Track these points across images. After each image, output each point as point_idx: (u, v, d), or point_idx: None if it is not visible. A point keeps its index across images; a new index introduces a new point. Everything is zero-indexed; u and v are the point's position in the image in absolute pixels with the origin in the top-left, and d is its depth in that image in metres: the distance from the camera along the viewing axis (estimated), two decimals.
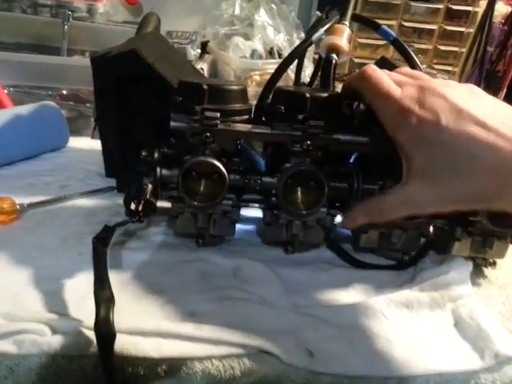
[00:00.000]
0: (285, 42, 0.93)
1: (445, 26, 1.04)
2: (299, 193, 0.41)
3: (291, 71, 0.94)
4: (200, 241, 0.43)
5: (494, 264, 0.45)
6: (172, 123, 0.39)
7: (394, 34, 0.48)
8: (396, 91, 0.33)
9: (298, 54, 0.47)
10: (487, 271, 0.46)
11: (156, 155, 0.39)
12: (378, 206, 0.36)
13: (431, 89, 0.32)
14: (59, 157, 0.60)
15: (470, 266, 0.43)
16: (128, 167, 0.52)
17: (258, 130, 0.39)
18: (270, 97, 0.43)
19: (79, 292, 0.36)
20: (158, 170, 0.39)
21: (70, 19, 0.88)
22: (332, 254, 0.46)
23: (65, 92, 0.74)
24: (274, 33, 0.92)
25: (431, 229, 0.43)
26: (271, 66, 0.91)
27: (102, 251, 0.35)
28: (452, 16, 1.01)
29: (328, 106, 0.39)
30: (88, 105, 0.66)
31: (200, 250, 0.44)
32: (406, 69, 0.39)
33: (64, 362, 0.31)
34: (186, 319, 0.35)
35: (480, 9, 0.97)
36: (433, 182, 0.32)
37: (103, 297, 0.32)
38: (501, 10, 0.96)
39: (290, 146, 0.39)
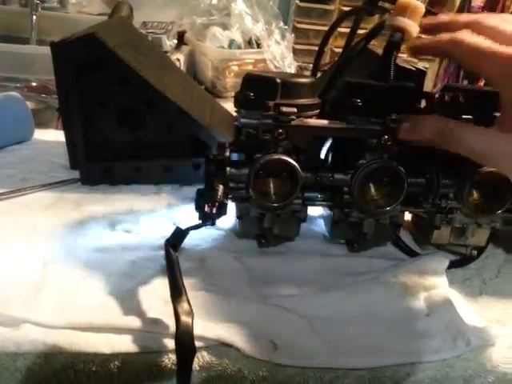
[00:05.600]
0: (263, 31, 0.91)
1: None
2: (373, 190, 0.39)
3: (270, 61, 0.93)
4: (263, 241, 0.42)
5: (478, 252, 0.44)
6: (243, 120, 0.37)
7: None
8: (497, 46, 0.32)
9: (371, 39, 0.45)
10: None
11: (227, 154, 0.38)
12: (454, 131, 0.33)
13: None
14: (23, 149, 0.58)
15: (446, 259, 0.42)
16: (93, 159, 0.51)
17: (333, 125, 0.37)
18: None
19: (26, 288, 0.35)
20: (228, 169, 0.38)
21: (39, 9, 0.85)
22: (305, 242, 0.45)
23: (34, 84, 0.72)
24: (253, 22, 0.90)
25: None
26: (250, 55, 0.90)
27: (173, 256, 0.33)
28: (433, 3, 1.00)
29: (406, 98, 0.37)
30: (55, 96, 0.64)
31: None
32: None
33: (8, 359, 0.30)
34: (142, 314, 0.33)
35: None
36: None
37: (183, 309, 0.30)
38: None
39: (366, 140, 0.37)
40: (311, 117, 0.38)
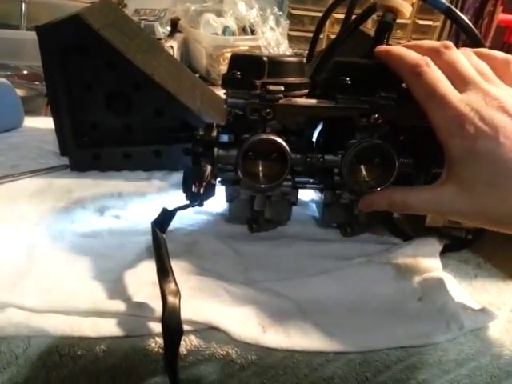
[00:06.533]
0: (257, 17, 0.89)
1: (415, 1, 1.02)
2: (364, 171, 0.38)
3: (264, 48, 0.92)
4: (254, 226, 0.41)
5: (473, 236, 0.43)
6: (230, 100, 0.36)
7: (445, 2, 0.43)
8: (454, 96, 0.31)
9: (360, 23, 0.44)
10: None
11: (214, 134, 0.37)
12: (402, 198, 0.35)
13: (496, 100, 0.30)
14: (13, 136, 0.58)
15: (440, 243, 0.41)
16: (82, 145, 0.50)
17: (322, 105, 0.37)
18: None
19: (12, 272, 0.34)
20: (216, 150, 0.37)
21: None
22: (296, 227, 0.44)
23: (25, 72, 0.71)
24: (246, 8, 0.89)
25: None
26: (244, 42, 0.88)
27: (160, 237, 0.33)
28: None
29: (395, 76, 0.36)
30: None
31: None
32: (474, 55, 0.34)
33: None
34: (129, 298, 0.33)
35: None
36: (471, 194, 0.31)
37: (169, 290, 0.29)
38: None
39: (356, 120, 0.36)
40: (300, 96, 0.37)
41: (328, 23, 1.10)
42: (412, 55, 0.34)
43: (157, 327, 0.30)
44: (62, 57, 0.45)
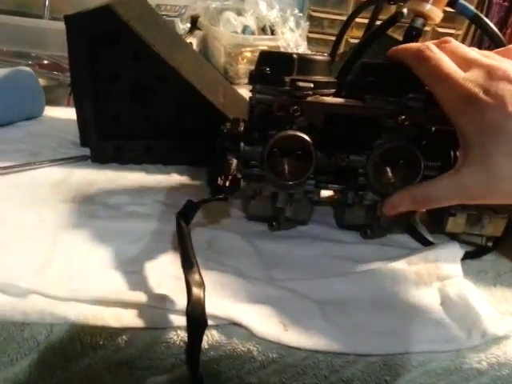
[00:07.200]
0: (278, 18, 0.89)
1: (445, 8, 1.01)
2: (389, 172, 0.38)
3: (284, 49, 0.92)
4: (274, 224, 0.41)
5: (493, 243, 0.43)
6: (257, 95, 0.36)
7: (473, 9, 0.44)
8: (457, 73, 0.31)
9: (389, 27, 0.44)
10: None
11: (241, 128, 0.37)
12: (423, 193, 0.35)
13: (500, 71, 0.30)
14: (34, 125, 0.58)
15: (461, 249, 0.40)
16: (104, 136, 0.50)
17: (350, 103, 0.37)
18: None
19: (35, 260, 0.34)
20: (242, 145, 0.37)
21: None
22: (317, 228, 0.44)
23: (46, 62, 0.72)
24: (267, 8, 0.89)
25: None
26: (263, 42, 0.88)
27: (185, 229, 0.33)
28: None
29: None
30: (67, 74, 0.63)
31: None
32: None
33: (15, 329, 0.29)
34: (151, 290, 0.33)
35: None
36: (490, 172, 0.30)
37: (194, 281, 0.29)
38: None
39: (383, 121, 0.36)
40: (327, 95, 0.37)
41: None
42: (415, 44, 0.35)
43: (179, 320, 0.30)
44: (90, 47, 0.45)
